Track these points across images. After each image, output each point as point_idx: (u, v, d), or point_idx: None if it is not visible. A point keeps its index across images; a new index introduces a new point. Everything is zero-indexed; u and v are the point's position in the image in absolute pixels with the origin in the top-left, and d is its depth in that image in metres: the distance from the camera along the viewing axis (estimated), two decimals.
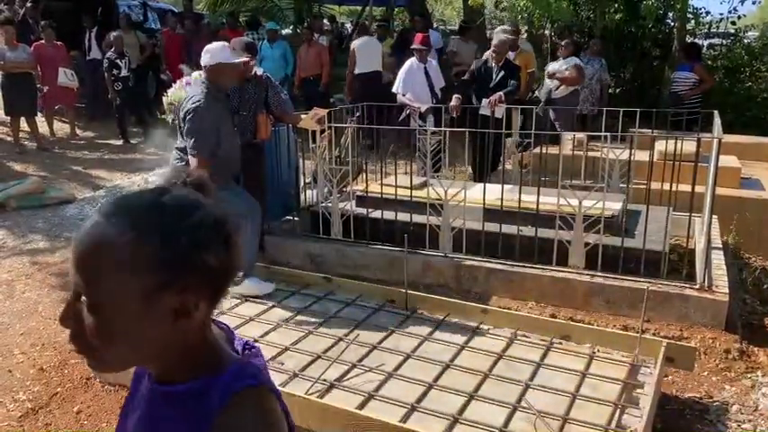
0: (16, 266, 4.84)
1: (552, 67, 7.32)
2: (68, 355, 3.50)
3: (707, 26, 10.59)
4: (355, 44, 8.86)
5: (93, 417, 2.98)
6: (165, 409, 0.86)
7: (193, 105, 3.57)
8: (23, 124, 8.51)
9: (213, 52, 3.75)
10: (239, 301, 3.65)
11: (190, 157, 3.59)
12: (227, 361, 0.87)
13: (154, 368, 0.88)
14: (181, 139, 3.73)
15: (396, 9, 15.75)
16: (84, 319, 0.78)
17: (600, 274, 3.83)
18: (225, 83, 3.79)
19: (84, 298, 0.78)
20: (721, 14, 10.41)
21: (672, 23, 10.54)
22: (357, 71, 8.65)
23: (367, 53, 8.63)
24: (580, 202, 3.79)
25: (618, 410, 2.53)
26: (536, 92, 7.57)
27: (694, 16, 10.06)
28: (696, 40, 9.75)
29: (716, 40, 11.20)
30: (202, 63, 3.75)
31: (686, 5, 9.42)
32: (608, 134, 4.73)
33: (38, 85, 8.63)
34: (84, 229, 0.79)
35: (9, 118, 8.47)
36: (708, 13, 10.49)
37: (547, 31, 11.75)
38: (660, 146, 4.91)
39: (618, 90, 10.31)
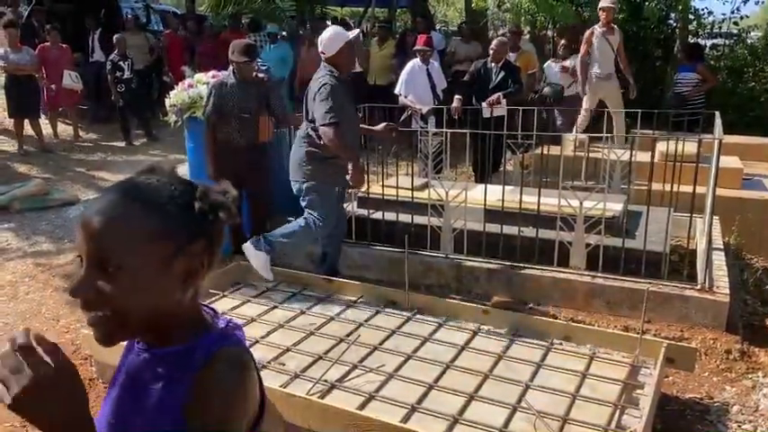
0: (20, 268, 4.86)
1: (552, 65, 7.34)
2: (71, 356, 3.52)
3: (709, 26, 10.58)
4: None
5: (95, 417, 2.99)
6: (156, 371, 0.96)
7: (321, 82, 3.52)
8: (27, 126, 8.55)
9: (334, 37, 3.58)
10: (241, 301, 3.66)
11: (322, 129, 3.50)
12: (212, 328, 1.00)
13: (149, 335, 0.96)
14: (305, 124, 3.70)
15: (398, 10, 15.75)
16: (102, 288, 0.86)
17: (601, 274, 3.83)
18: (353, 60, 3.71)
19: (104, 267, 0.86)
20: (724, 15, 10.41)
21: (674, 24, 10.53)
22: None
23: None
24: (581, 203, 3.79)
25: (618, 411, 2.53)
26: (540, 91, 7.57)
27: (696, 17, 10.05)
28: (699, 41, 9.74)
29: (719, 41, 11.18)
30: (326, 54, 3.59)
31: (688, 6, 9.42)
32: (609, 135, 4.73)
33: (43, 85, 8.64)
34: (103, 205, 0.88)
35: (12, 120, 8.50)
36: (710, 13, 10.50)
37: (549, 32, 11.75)
38: (661, 147, 4.92)
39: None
